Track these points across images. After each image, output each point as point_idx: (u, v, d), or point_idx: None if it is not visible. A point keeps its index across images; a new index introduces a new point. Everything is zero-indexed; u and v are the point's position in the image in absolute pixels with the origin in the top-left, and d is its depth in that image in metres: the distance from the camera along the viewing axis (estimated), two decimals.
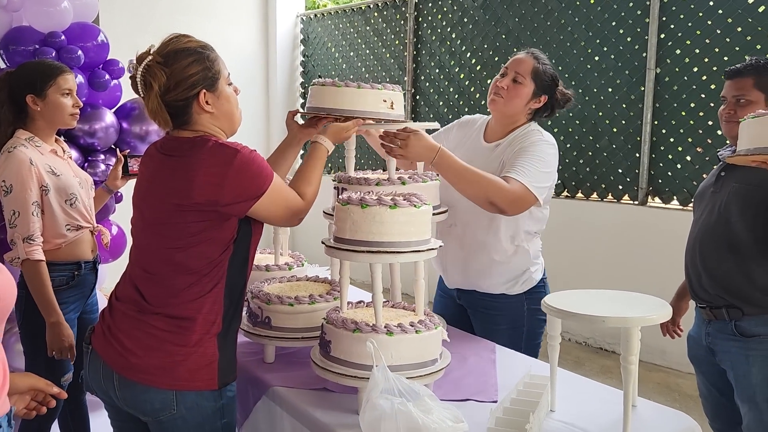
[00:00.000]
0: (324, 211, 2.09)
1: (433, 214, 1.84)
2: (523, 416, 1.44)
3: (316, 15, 6.89)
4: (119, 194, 3.21)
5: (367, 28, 6.25)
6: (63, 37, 3.12)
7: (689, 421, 1.57)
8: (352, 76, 6.39)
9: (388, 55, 6.07)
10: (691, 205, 3.94)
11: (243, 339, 2.03)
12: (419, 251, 1.59)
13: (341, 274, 1.72)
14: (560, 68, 4.58)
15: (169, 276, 1.53)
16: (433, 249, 1.62)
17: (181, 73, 1.52)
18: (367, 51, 6.27)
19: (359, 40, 6.34)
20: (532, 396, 1.56)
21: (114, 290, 1.65)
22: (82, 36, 3.30)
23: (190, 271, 1.52)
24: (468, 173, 1.98)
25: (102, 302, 2.78)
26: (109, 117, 3.37)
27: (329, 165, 6.64)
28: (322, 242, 1.71)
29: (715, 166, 2.18)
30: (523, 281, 2.22)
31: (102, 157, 3.37)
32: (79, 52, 3.15)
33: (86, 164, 3.30)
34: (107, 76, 3.36)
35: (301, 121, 2.13)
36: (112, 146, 3.48)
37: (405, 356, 1.54)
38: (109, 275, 3.21)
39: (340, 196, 1.69)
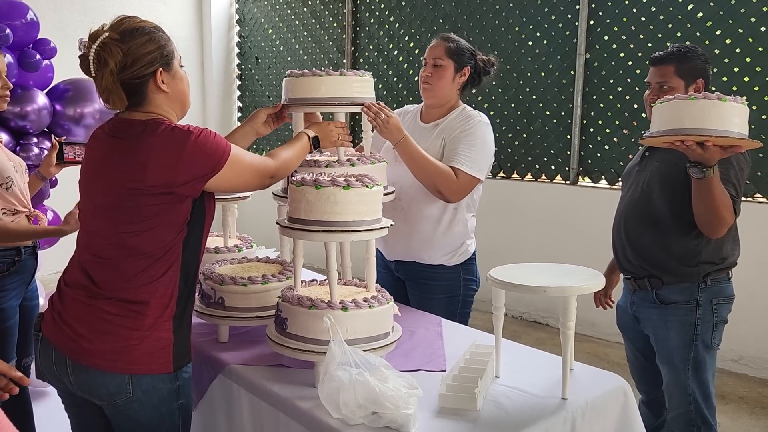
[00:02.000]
0: (274, 193, 2.12)
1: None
2: (471, 382, 1.55)
3: None
4: (54, 179, 3.12)
5: (305, 9, 6.22)
6: None
7: (620, 380, 1.71)
8: (290, 58, 6.35)
9: (326, 38, 6.06)
10: (618, 184, 4.18)
11: (196, 320, 2.05)
12: (372, 230, 1.66)
13: (295, 254, 1.77)
14: (495, 52, 4.70)
15: (122, 260, 1.52)
16: (384, 227, 1.69)
17: (138, 50, 1.50)
18: (305, 33, 6.24)
19: (297, 22, 6.30)
20: (478, 364, 1.67)
21: (62, 276, 1.63)
22: (10, 14, 3.18)
23: (143, 255, 1.51)
24: (422, 160, 2.18)
25: (40, 289, 2.72)
26: (41, 99, 3.27)
27: (279, 146, 6.59)
28: (277, 222, 1.75)
29: (640, 147, 2.34)
30: (460, 253, 2.39)
31: (35, 140, 3.26)
32: (8, 31, 3.04)
33: (18, 148, 3.20)
34: (38, 56, 3.25)
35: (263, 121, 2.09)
36: (45, 129, 3.38)
37: (359, 330, 1.61)
38: (46, 262, 3.13)
39: (293, 177, 1.73)
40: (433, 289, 2.39)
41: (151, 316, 1.52)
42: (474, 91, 2.51)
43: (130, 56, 1.49)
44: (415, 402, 1.42)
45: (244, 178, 1.60)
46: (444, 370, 1.74)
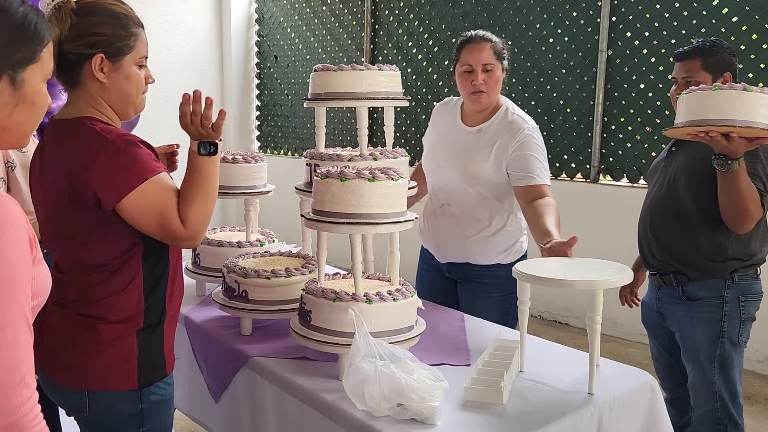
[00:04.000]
0: (296, 187, 2.13)
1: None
2: (497, 376, 1.53)
3: None
4: None
5: (324, 7, 6.23)
6: None
7: (648, 376, 1.69)
8: (308, 57, 6.36)
9: (345, 36, 6.07)
10: (640, 182, 4.14)
11: (219, 313, 2.07)
12: (397, 222, 1.65)
13: (319, 247, 1.77)
14: (516, 49, 4.68)
15: (79, 274, 1.43)
16: (409, 220, 1.69)
17: (87, 27, 1.39)
18: (324, 31, 6.25)
19: (316, 21, 6.31)
20: (503, 358, 1.65)
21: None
22: None
23: (97, 267, 1.41)
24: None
25: None
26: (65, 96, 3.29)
27: (298, 144, 6.60)
28: (302, 215, 1.75)
29: (664, 145, 2.31)
30: (515, 251, 2.37)
31: None
32: None
33: None
34: None
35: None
36: None
37: (383, 323, 1.61)
38: None
39: (318, 170, 1.73)
40: (489, 287, 2.35)
41: (112, 330, 1.42)
42: None
43: (76, 29, 1.38)
44: (440, 394, 1.41)
45: (149, 219, 1.37)
46: (468, 364, 1.74)
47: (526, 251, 2.42)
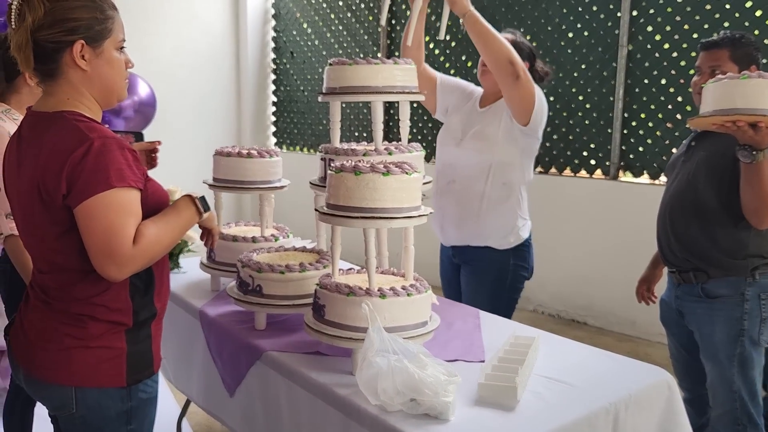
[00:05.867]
0: (311, 182, 2.12)
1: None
2: (511, 372, 1.52)
3: None
4: None
5: (340, 3, 6.22)
6: None
7: (665, 374, 1.66)
8: (325, 53, 6.36)
9: (361, 32, 6.05)
10: (660, 179, 4.08)
11: (233, 307, 2.08)
12: (411, 217, 1.64)
13: (333, 242, 1.76)
14: (535, 44, 4.63)
15: (59, 273, 1.38)
16: (423, 215, 1.67)
17: (63, 12, 1.32)
18: (340, 27, 6.24)
19: (332, 16, 6.31)
20: (518, 354, 1.64)
21: (32, 276, 1.50)
22: None
23: (75, 269, 1.36)
24: (493, 31, 2.25)
25: None
26: None
27: (313, 140, 6.61)
28: (316, 209, 1.75)
29: (684, 141, 2.27)
30: (512, 236, 2.42)
31: None
32: None
33: None
34: None
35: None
36: None
37: (397, 318, 1.60)
38: None
39: (332, 164, 1.72)
40: (483, 270, 2.44)
41: (101, 327, 1.38)
42: None
43: (51, 16, 1.31)
44: (454, 390, 1.40)
45: (95, 232, 1.28)
46: (482, 361, 1.72)
47: (528, 239, 2.48)
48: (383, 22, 4.33)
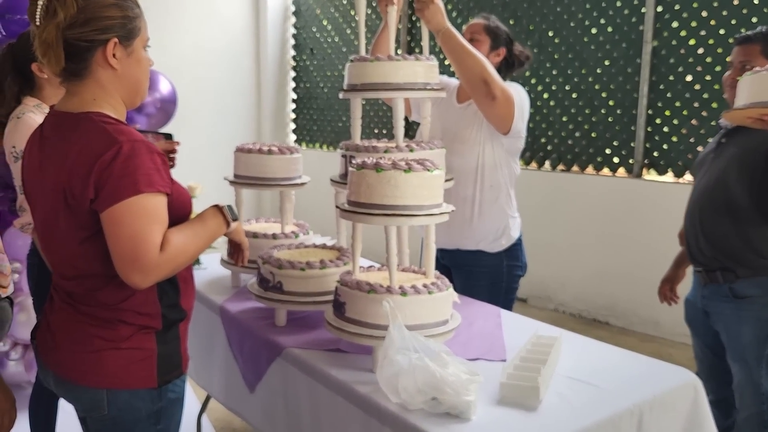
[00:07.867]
0: (332, 179, 2.12)
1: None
2: (533, 371, 1.50)
3: None
4: None
5: None
6: None
7: (691, 376, 1.64)
8: (345, 49, 6.36)
9: None
10: (685, 177, 4.02)
11: (254, 304, 2.08)
12: (432, 214, 1.63)
13: (354, 238, 1.75)
14: (557, 41, 4.60)
15: (83, 279, 1.36)
16: (445, 213, 1.66)
17: (97, 10, 1.29)
18: None
19: (352, 12, 6.29)
20: (540, 354, 1.62)
21: (53, 280, 1.48)
22: None
23: (99, 274, 1.34)
24: (469, 48, 2.13)
25: None
26: None
27: (333, 137, 6.62)
28: (337, 207, 1.74)
29: (710, 139, 2.23)
30: (503, 238, 2.37)
31: None
32: None
33: None
34: None
35: None
36: None
37: (418, 316, 1.59)
38: None
39: (354, 161, 1.72)
40: (478, 275, 2.39)
41: (130, 329, 1.37)
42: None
43: (85, 13, 1.28)
44: (475, 389, 1.39)
45: (121, 238, 1.25)
46: (504, 360, 1.70)
47: (519, 238, 2.43)
48: (398, 22, 4.30)
